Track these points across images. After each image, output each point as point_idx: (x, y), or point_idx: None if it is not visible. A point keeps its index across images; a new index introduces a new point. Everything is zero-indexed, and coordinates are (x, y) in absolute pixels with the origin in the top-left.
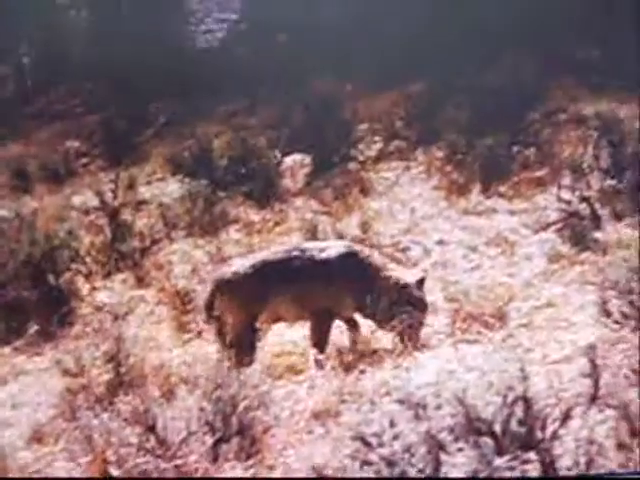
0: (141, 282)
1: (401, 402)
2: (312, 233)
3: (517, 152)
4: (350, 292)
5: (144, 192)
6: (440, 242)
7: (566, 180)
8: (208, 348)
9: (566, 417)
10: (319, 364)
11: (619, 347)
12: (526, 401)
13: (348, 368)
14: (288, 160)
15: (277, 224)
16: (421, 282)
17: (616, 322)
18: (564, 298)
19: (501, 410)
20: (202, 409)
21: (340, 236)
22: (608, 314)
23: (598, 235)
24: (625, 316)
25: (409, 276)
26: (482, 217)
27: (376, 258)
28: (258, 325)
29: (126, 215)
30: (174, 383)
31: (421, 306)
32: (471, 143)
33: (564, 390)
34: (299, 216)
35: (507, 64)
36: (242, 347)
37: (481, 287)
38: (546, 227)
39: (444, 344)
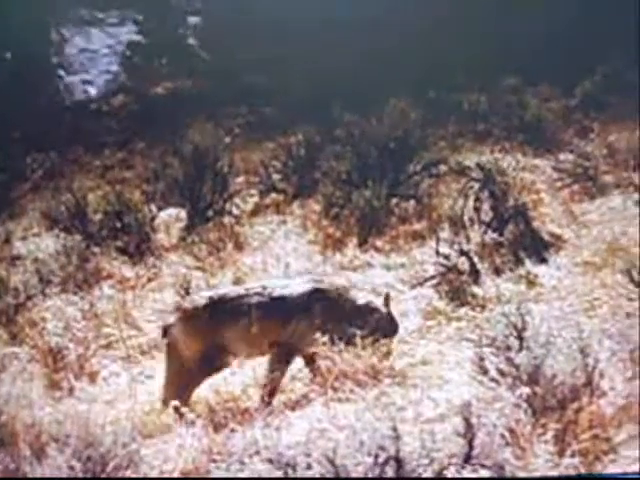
0: (14, 339)
1: (270, 462)
2: (185, 289)
3: (395, 205)
4: (318, 328)
5: (20, 247)
6: None
7: (445, 233)
8: (79, 406)
9: (439, 477)
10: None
11: (495, 405)
12: (398, 461)
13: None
14: (163, 214)
15: (150, 280)
16: (387, 299)
17: (493, 380)
18: (439, 355)
19: (372, 470)
20: (72, 467)
21: None
22: (484, 371)
23: (477, 290)
24: (502, 373)
25: (376, 299)
26: (357, 272)
27: (344, 291)
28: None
29: (1, 270)
30: (45, 441)
31: (394, 326)
32: (349, 196)
33: (437, 450)
34: (172, 272)
35: (389, 113)
36: (192, 375)
37: (354, 344)
38: (423, 282)
39: (315, 403)
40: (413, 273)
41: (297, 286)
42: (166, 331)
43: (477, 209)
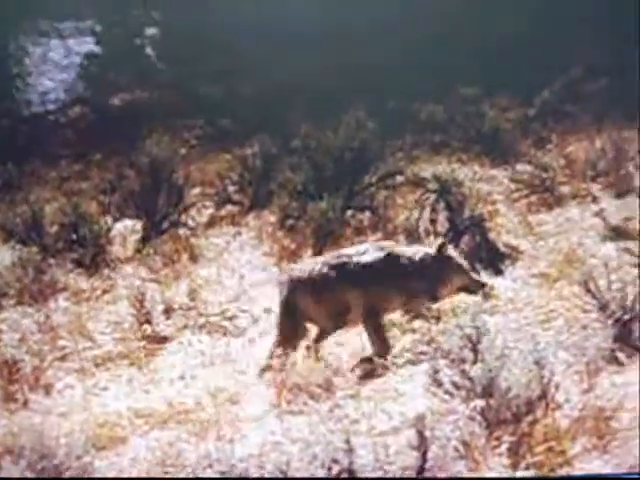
0: None
1: (223, 474)
2: (140, 301)
3: (351, 216)
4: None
5: None
6: (268, 310)
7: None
8: (34, 418)
9: None
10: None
11: (449, 418)
12: (351, 473)
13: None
14: (119, 226)
15: (105, 292)
16: (442, 246)
17: (447, 392)
18: (393, 368)
19: None
20: (26, 479)
21: (169, 305)
22: (439, 384)
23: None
24: (456, 386)
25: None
26: None
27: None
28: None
29: None
30: None
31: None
32: (304, 207)
33: (390, 463)
34: (127, 284)
35: (346, 123)
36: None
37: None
38: None
39: (269, 415)
40: None
41: (371, 253)
42: (286, 306)
43: (433, 220)
